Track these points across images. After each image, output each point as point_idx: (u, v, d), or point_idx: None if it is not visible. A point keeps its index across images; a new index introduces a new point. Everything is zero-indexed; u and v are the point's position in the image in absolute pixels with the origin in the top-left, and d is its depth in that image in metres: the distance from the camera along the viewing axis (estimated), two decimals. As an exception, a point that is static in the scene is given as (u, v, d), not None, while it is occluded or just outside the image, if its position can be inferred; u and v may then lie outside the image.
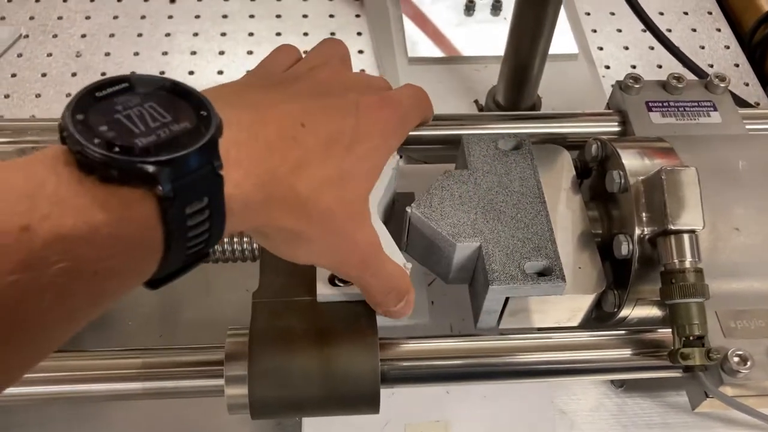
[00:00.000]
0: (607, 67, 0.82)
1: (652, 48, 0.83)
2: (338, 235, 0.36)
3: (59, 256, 0.23)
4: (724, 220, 0.45)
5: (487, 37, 0.78)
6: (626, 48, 0.84)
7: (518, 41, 0.62)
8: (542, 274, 0.44)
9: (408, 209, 0.46)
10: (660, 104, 0.54)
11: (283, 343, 0.41)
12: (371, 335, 0.42)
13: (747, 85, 0.81)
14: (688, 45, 0.84)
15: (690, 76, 0.74)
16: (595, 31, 0.85)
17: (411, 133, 0.54)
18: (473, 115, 0.57)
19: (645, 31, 0.77)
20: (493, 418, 0.49)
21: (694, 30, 0.86)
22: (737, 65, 0.83)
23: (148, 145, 0.25)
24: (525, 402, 0.50)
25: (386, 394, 0.49)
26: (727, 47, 0.85)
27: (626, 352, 0.44)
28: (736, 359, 0.41)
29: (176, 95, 0.27)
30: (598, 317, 0.49)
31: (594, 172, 0.51)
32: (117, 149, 0.24)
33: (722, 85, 0.55)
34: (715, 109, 0.54)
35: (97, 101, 0.26)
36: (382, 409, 0.46)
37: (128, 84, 0.27)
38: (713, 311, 0.44)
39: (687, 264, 0.42)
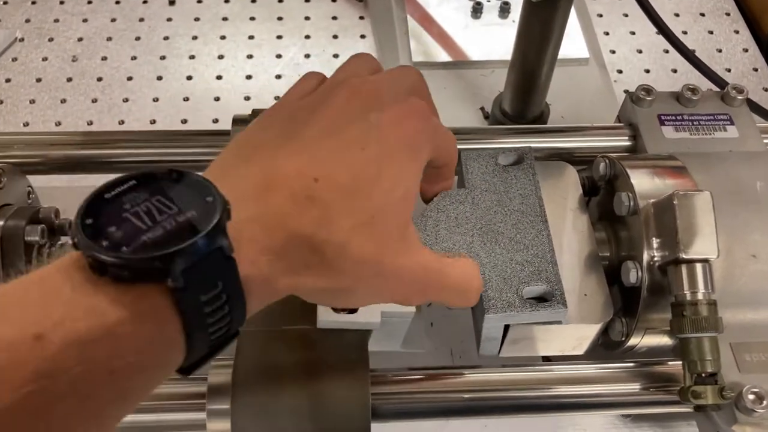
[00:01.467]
0: (620, 72, 0.79)
1: (666, 51, 0.80)
2: (381, 277, 0.34)
3: (75, 360, 0.24)
4: (740, 246, 0.42)
5: (495, 40, 0.75)
6: (640, 51, 0.80)
7: (525, 47, 0.60)
8: (542, 299, 0.41)
9: (403, 232, 0.44)
10: (673, 117, 0.51)
11: (268, 376, 0.39)
12: (362, 369, 0.40)
13: (766, 90, 0.77)
14: (704, 48, 0.81)
15: (705, 81, 0.71)
16: (607, 33, 0.82)
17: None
18: (474, 128, 0.54)
19: (659, 33, 0.74)
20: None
21: (711, 32, 0.83)
22: (756, 69, 0.79)
23: (155, 239, 0.25)
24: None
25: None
26: (746, 50, 0.81)
27: (635, 387, 0.42)
28: (751, 397, 0.39)
29: (182, 184, 0.27)
30: (605, 344, 0.47)
31: (602, 190, 0.48)
32: (125, 249, 0.25)
33: (740, 97, 0.52)
34: (732, 123, 0.51)
35: (106, 203, 0.26)
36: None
37: (135, 181, 0.27)
38: (727, 343, 0.41)
39: (699, 296, 0.39)
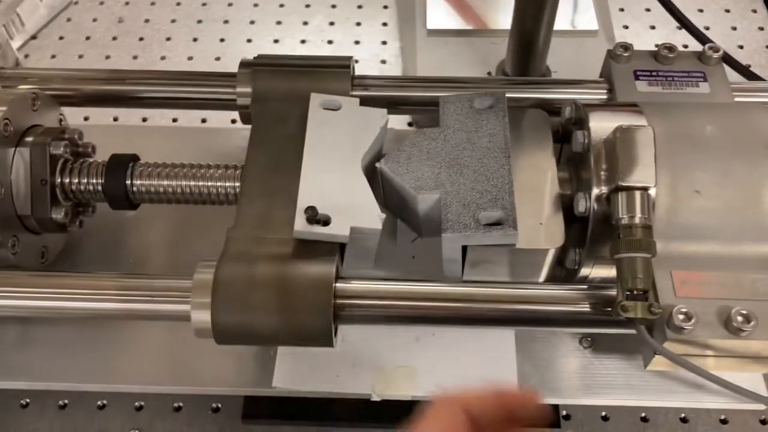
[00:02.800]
0: (630, 46, 0.81)
1: (679, 28, 0.82)
2: None
3: None
4: (685, 183, 0.45)
5: (510, 9, 0.79)
6: (653, 27, 0.83)
7: (522, 12, 0.63)
8: (497, 224, 0.45)
9: (377, 165, 0.49)
10: (648, 73, 0.54)
11: (245, 276, 0.44)
12: (327, 274, 0.44)
13: (776, 66, 0.79)
14: (720, 26, 0.83)
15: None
16: (622, 9, 0.85)
17: (398, 93, 0.57)
18: (456, 78, 0.58)
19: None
20: (456, 364, 0.51)
21: (728, 11, 0.84)
22: (768, 47, 0.81)
23: None
24: (488, 349, 0.51)
25: (358, 337, 0.53)
26: (761, 29, 0.83)
27: (581, 307, 0.45)
28: (681, 316, 0.42)
29: None
30: (566, 277, 0.50)
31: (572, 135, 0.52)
32: None
33: (715, 56, 0.54)
34: (705, 80, 0.54)
35: None
36: (352, 353, 0.49)
37: None
38: (668, 271, 0.44)
39: (636, 220, 0.42)
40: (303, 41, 0.82)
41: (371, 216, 0.46)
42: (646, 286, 0.42)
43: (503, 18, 0.79)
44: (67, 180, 0.51)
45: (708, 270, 0.44)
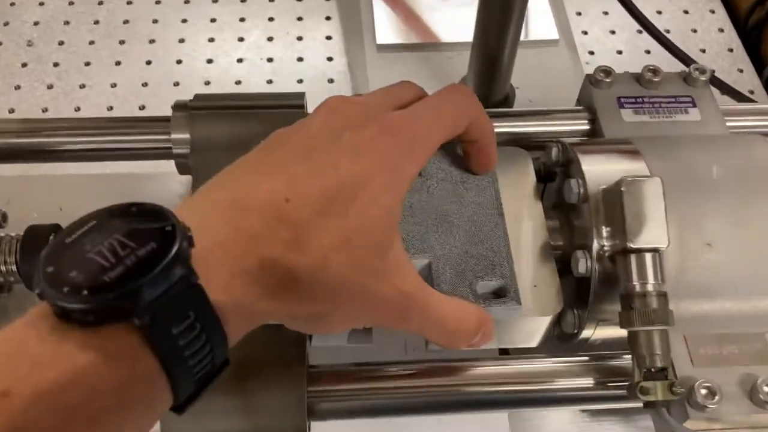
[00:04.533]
0: (591, 53, 0.77)
1: (640, 32, 0.77)
2: (359, 300, 0.32)
3: (48, 411, 0.23)
4: (694, 235, 0.40)
5: (464, 21, 0.73)
6: (613, 32, 0.78)
7: (486, 26, 0.58)
8: (497, 294, 0.40)
9: (350, 222, 0.42)
10: (633, 100, 0.49)
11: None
12: (298, 364, 0.38)
13: (741, 71, 0.75)
14: (679, 27, 0.79)
15: (676, 64, 0.69)
16: (579, 13, 0.80)
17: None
18: None
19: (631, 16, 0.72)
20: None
21: (686, 12, 0.81)
22: (731, 50, 0.77)
23: (114, 278, 0.25)
24: (481, 427, 0.46)
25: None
26: (721, 30, 0.79)
27: (588, 382, 0.40)
28: (703, 392, 0.37)
29: (142, 217, 0.27)
30: (559, 336, 0.45)
31: (558, 176, 0.47)
32: (85, 292, 0.24)
33: (702, 78, 0.50)
34: (695, 105, 0.49)
35: (67, 248, 0.26)
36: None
37: (95, 221, 0.27)
38: (681, 335, 0.39)
39: (649, 287, 0.37)
40: (240, 60, 0.74)
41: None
42: (666, 363, 0.37)
43: (456, 30, 0.73)
44: (-28, 260, 0.43)
45: (724, 331, 0.39)
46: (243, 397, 0.37)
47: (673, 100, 0.49)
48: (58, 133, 0.48)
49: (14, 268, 0.43)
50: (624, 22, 0.78)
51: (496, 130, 0.49)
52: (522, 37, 0.67)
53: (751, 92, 0.73)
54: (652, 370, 0.37)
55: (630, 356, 0.41)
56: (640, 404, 0.40)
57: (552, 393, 0.41)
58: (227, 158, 0.45)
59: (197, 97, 0.49)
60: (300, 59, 0.74)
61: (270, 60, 0.74)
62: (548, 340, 0.44)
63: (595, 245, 0.40)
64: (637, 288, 0.37)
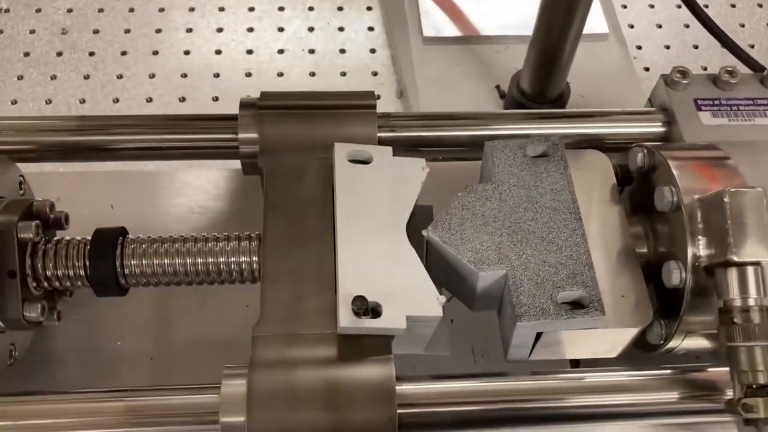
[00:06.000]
0: (639, 48, 0.75)
1: (687, 26, 0.76)
2: None
3: None
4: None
5: (510, 14, 0.72)
6: (659, 26, 0.77)
7: (549, 22, 0.56)
8: (578, 304, 0.39)
9: (424, 233, 0.41)
10: (710, 102, 0.48)
11: (285, 387, 0.36)
12: (387, 379, 0.37)
13: (791, 68, 0.74)
14: (726, 22, 0.78)
15: (729, 58, 0.67)
16: (625, 6, 0.78)
17: (429, 134, 0.49)
18: (493, 113, 0.51)
19: (680, 6, 0.71)
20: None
21: (733, 6, 0.79)
22: (781, 46, 0.76)
23: None
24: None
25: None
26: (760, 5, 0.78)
27: (673, 395, 0.39)
28: (803, 409, 0.36)
29: None
30: (640, 345, 0.44)
31: (636, 180, 0.45)
32: None
33: (777, 78, 0.48)
34: (773, 108, 0.48)
35: None
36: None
37: None
38: (774, 349, 0.38)
39: (751, 301, 0.36)
40: (281, 51, 0.73)
41: (429, 300, 0.39)
42: (768, 380, 0.36)
43: (502, 23, 0.71)
44: (40, 264, 0.41)
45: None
46: (332, 415, 0.36)
47: (751, 102, 0.48)
48: (118, 131, 0.46)
49: (83, 272, 0.42)
50: (671, 16, 0.77)
51: (568, 131, 0.48)
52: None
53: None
54: (754, 386, 0.36)
55: (714, 369, 0.40)
56: (729, 418, 0.39)
57: (634, 407, 0.40)
58: (298, 160, 0.45)
59: (264, 95, 0.47)
60: (342, 51, 0.73)
61: (312, 51, 0.73)
62: (628, 351, 0.43)
63: (690, 256, 0.39)
64: (739, 302, 0.36)
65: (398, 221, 0.41)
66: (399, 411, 0.37)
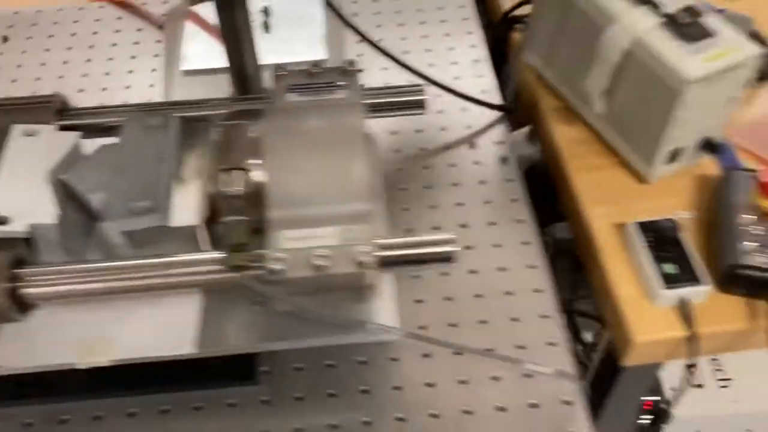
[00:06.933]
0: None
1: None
2: None
3: None
4: (288, 166, 0.58)
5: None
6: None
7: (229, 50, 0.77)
8: (149, 211, 0.58)
9: (60, 176, 0.61)
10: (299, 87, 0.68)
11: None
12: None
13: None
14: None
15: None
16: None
17: (99, 120, 0.69)
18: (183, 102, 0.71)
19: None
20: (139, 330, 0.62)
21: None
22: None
23: None
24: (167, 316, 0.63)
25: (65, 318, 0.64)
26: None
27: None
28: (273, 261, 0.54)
29: None
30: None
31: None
32: None
33: (351, 69, 0.69)
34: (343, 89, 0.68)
35: None
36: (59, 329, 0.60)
37: None
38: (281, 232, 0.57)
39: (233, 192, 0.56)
40: (80, 90, 0.95)
41: (48, 214, 0.58)
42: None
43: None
44: None
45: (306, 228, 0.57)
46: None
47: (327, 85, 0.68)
48: None
49: None
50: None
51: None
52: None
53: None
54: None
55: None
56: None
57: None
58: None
59: None
60: (127, 87, 0.95)
61: (104, 90, 0.94)
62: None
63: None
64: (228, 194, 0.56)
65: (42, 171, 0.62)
66: (17, 284, 0.56)
